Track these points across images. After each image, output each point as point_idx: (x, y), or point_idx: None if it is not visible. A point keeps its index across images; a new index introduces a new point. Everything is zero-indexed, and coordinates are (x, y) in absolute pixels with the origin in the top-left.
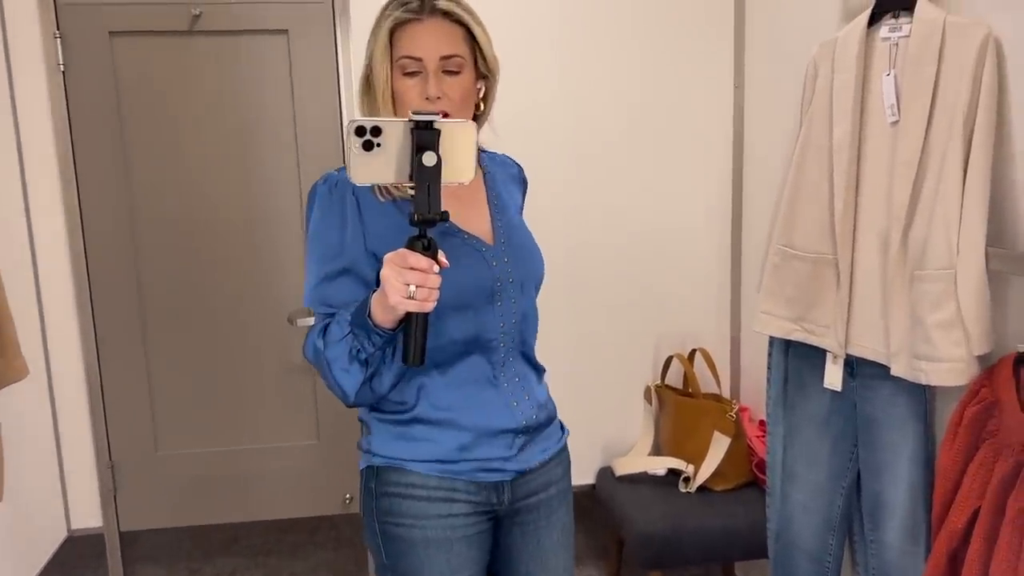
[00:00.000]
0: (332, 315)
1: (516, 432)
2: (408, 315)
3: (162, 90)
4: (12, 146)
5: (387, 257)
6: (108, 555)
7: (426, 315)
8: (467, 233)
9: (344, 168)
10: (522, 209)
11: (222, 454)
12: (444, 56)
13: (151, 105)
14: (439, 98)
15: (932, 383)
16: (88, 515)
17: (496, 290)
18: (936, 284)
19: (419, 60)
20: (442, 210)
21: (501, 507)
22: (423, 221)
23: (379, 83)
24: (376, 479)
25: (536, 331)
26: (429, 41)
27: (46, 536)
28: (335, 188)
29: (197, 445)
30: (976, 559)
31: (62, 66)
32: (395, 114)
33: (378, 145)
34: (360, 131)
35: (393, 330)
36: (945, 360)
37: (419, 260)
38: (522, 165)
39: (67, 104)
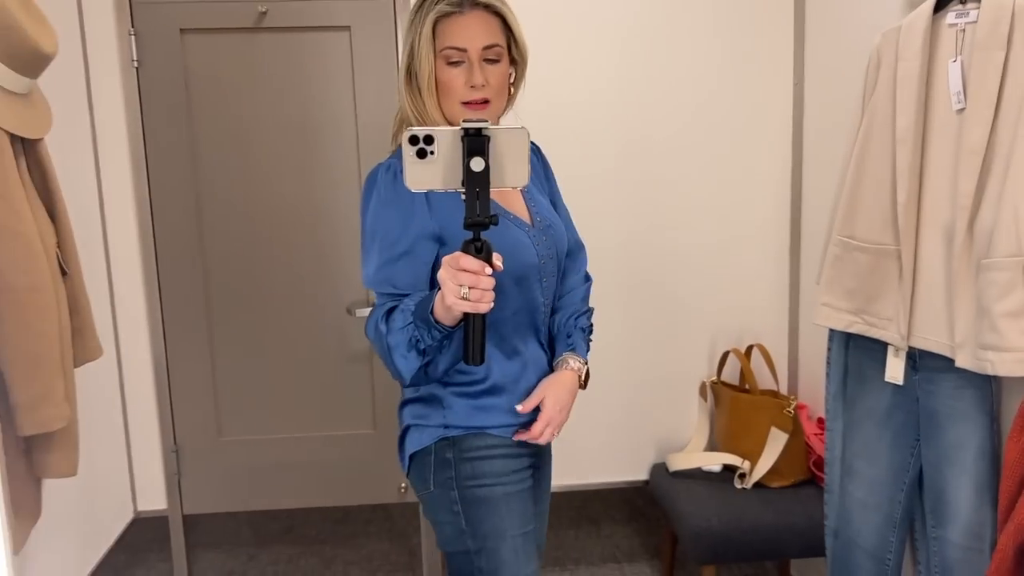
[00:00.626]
0: (396, 296)
1: None
2: (466, 316)
3: (230, 85)
4: (88, 139)
5: (444, 260)
6: (172, 538)
7: (483, 316)
8: (513, 214)
9: (398, 152)
10: (554, 187)
11: (282, 441)
12: (486, 46)
13: (219, 100)
14: (484, 85)
15: (999, 374)
16: (153, 497)
17: (540, 267)
18: (1003, 272)
19: (463, 50)
20: (492, 214)
21: (538, 458)
22: (474, 224)
23: (423, 73)
24: (454, 448)
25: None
26: (472, 32)
27: (114, 516)
28: (400, 175)
29: (258, 432)
30: None
31: (136, 63)
32: (439, 101)
33: (431, 153)
34: (414, 140)
35: (453, 327)
36: (1013, 350)
37: (471, 263)
38: (540, 145)
39: (140, 99)
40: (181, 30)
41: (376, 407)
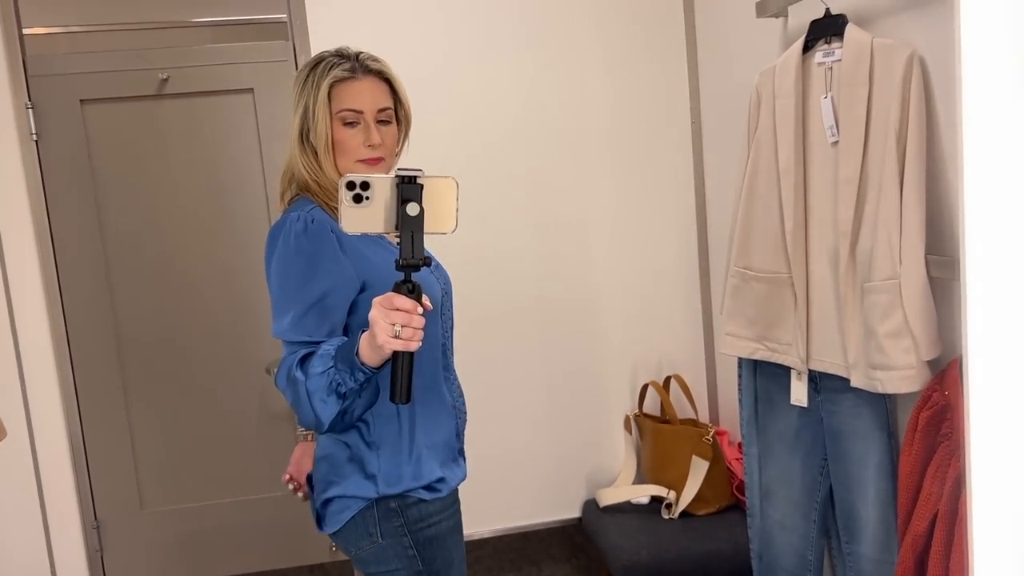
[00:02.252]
0: (310, 344)
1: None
2: (395, 354)
3: (134, 152)
4: None
5: (375, 300)
6: None
7: (411, 355)
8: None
9: (310, 207)
10: None
11: (207, 508)
12: (380, 108)
13: (124, 167)
14: (380, 144)
15: (888, 391)
16: (74, 574)
17: (442, 302)
18: (883, 295)
19: (360, 112)
20: (424, 255)
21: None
22: (407, 266)
23: (320, 134)
24: (396, 499)
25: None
26: (367, 96)
27: None
28: (312, 224)
29: (182, 500)
30: (938, 562)
31: (35, 135)
32: (335, 161)
33: (367, 198)
34: (351, 185)
35: (377, 369)
36: (897, 368)
37: (404, 302)
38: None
39: (41, 171)
40: (81, 101)
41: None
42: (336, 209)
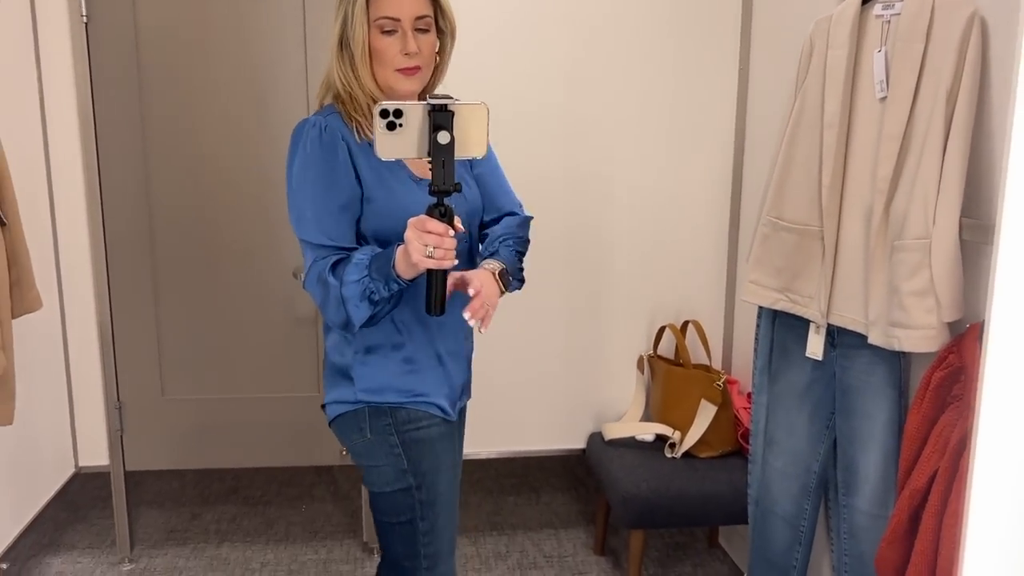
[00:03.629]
0: (331, 249)
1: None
2: (429, 271)
3: (181, 44)
4: (35, 92)
5: (410, 221)
6: (113, 494)
7: (444, 272)
8: (421, 178)
9: (326, 113)
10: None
11: (226, 401)
12: (418, 16)
13: (170, 58)
14: (417, 52)
15: (905, 349)
16: (95, 453)
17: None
18: (912, 253)
19: (397, 20)
20: (455, 182)
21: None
22: (439, 192)
23: (357, 43)
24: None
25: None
26: (405, 4)
27: (53, 470)
28: (325, 132)
29: (202, 391)
30: (932, 517)
31: (85, 18)
32: (371, 68)
33: (400, 125)
34: (384, 113)
35: (410, 281)
36: (917, 327)
37: (436, 226)
38: (497, 124)
39: (88, 54)
40: None
41: (321, 370)
42: (359, 121)
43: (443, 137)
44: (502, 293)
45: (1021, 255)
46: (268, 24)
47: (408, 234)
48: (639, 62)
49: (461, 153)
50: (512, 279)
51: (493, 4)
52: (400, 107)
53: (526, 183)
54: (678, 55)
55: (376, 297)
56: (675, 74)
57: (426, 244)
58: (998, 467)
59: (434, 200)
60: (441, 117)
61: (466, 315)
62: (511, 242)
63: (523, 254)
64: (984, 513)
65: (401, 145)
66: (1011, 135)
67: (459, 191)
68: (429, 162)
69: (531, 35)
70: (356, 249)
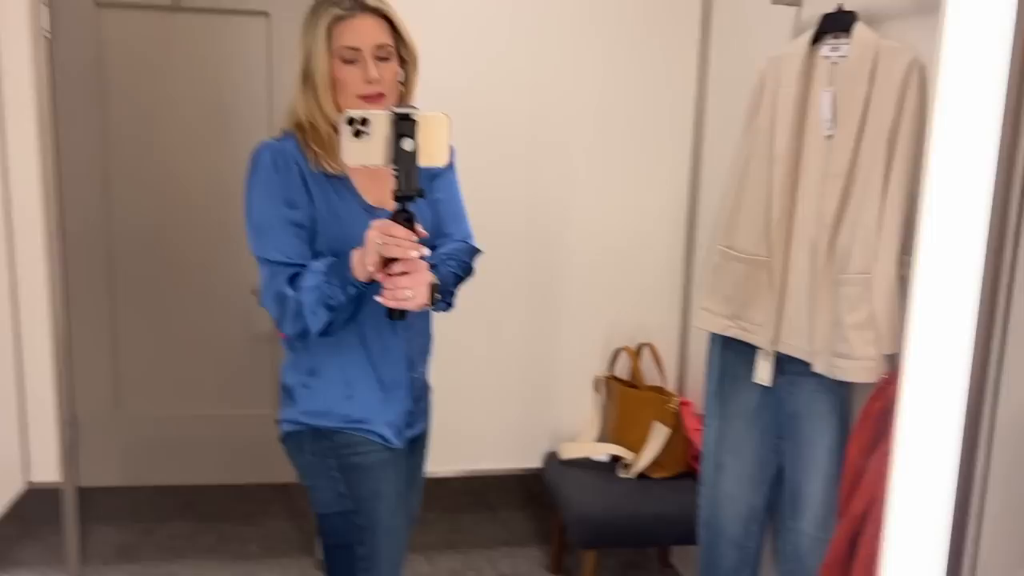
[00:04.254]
0: (291, 266)
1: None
2: None
3: (145, 63)
4: None
5: (373, 223)
6: (64, 510)
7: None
8: (372, 206)
9: (282, 138)
10: (440, 182)
11: (182, 417)
12: (378, 44)
13: (133, 77)
14: (379, 80)
15: (847, 379)
16: (47, 469)
17: None
18: (855, 288)
19: (357, 50)
20: (419, 187)
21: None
22: (403, 197)
23: (320, 72)
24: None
25: None
26: (365, 33)
27: (3, 485)
28: (279, 155)
29: (158, 407)
30: (868, 542)
31: (48, 34)
32: (334, 98)
33: (366, 133)
34: (351, 121)
35: (367, 285)
36: (858, 358)
37: (399, 230)
38: (455, 146)
39: (52, 71)
40: (97, 3)
41: (277, 387)
42: (316, 151)
43: (407, 144)
44: (425, 305)
45: (934, 291)
46: (232, 44)
47: (370, 234)
48: (598, 90)
49: (424, 161)
50: (441, 298)
51: (454, 27)
52: (366, 115)
53: (484, 205)
54: (636, 85)
55: (333, 303)
56: (633, 103)
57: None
58: (915, 493)
59: (399, 206)
60: (405, 126)
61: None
62: (453, 264)
63: (461, 279)
64: (902, 540)
65: (366, 152)
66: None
67: (423, 196)
68: (394, 169)
69: (488, 59)
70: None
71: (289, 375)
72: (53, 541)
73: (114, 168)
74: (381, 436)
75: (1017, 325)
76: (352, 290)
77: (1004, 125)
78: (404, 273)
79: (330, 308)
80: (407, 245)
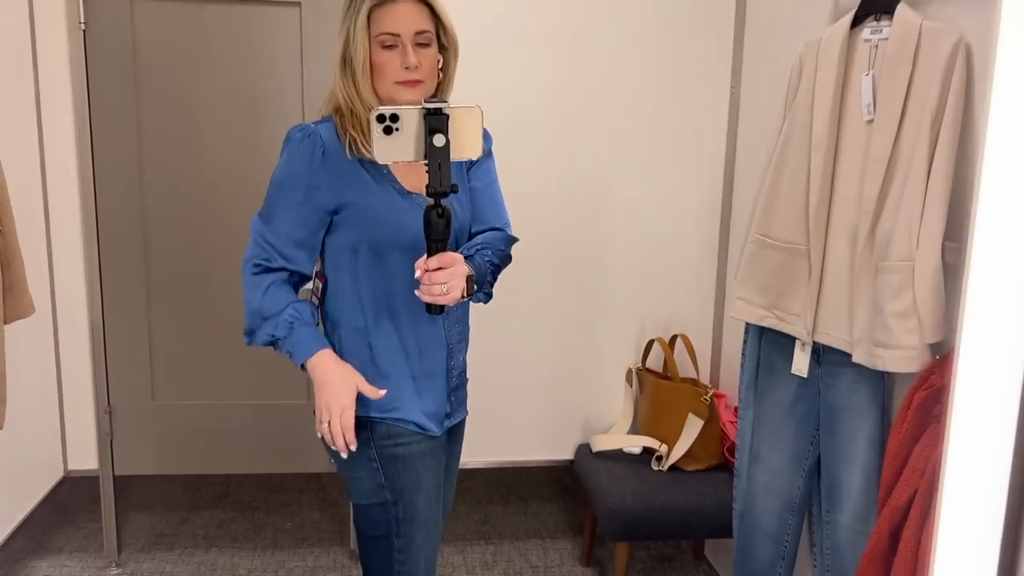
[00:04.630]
0: (267, 246)
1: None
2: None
3: (178, 54)
4: (31, 100)
5: (437, 260)
6: (102, 498)
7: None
8: (414, 193)
9: (320, 121)
10: (479, 171)
11: (216, 407)
12: (418, 31)
13: (167, 67)
14: (417, 66)
15: (887, 369)
16: (85, 457)
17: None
18: (896, 275)
19: (397, 35)
20: (452, 183)
21: (450, 432)
22: (436, 193)
23: (358, 58)
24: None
25: None
26: (404, 18)
27: (43, 474)
28: (309, 137)
29: (193, 397)
30: (912, 534)
31: (83, 25)
32: (373, 83)
33: (396, 130)
34: (381, 118)
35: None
36: (900, 347)
37: (444, 260)
38: (492, 134)
39: (86, 61)
40: None
41: (310, 378)
42: (355, 137)
43: (438, 140)
44: (463, 297)
45: (992, 278)
46: (265, 34)
47: (318, 402)
48: (633, 79)
49: (456, 155)
50: (478, 288)
51: (490, 17)
52: (396, 112)
53: (518, 196)
54: (672, 73)
55: (278, 346)
56: (668, 92)
57: (443, 282)
58: (968, 486)
59: (431, 202)
60: (436, 120)
61: (417, 274)
62: (488, 252)
63: (499, 268)
64: (954, 531)
65: (398, 149)
66: (982, 160)
67: (456, 192)
68: (426, 165)
69: (526, 49)
70: (299, 247)
71: None
72: (91, 528)
73: (148, 159)
74: (420, 426)
75: None
76: (287, 354)
77: None
78: (440, 268)
79: (275, 341)
80: (457, 271)
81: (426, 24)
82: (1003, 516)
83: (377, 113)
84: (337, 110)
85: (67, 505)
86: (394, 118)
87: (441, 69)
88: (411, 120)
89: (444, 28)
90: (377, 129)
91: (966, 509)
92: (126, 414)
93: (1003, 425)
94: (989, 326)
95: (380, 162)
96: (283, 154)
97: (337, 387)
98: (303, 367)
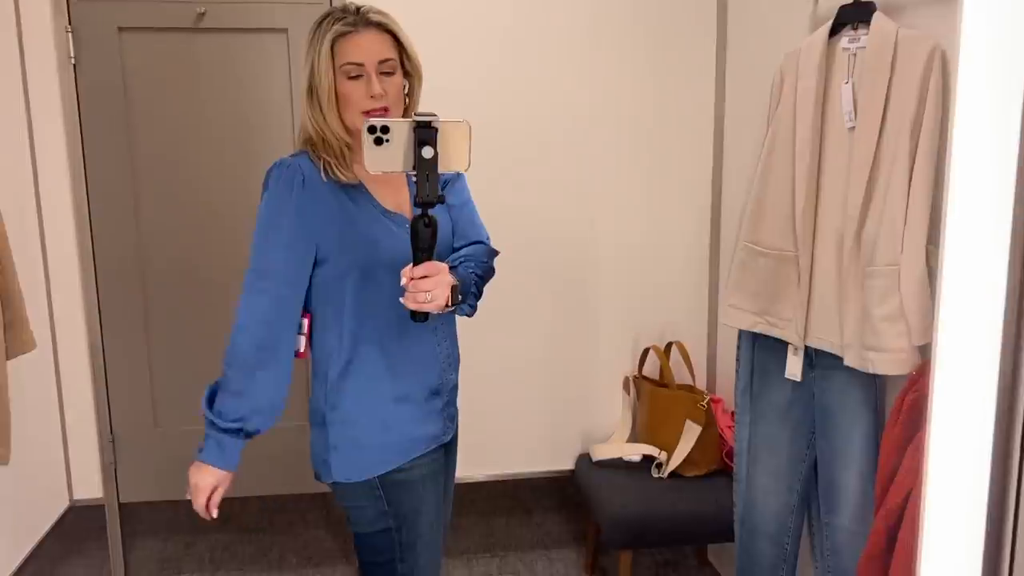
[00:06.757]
0: (265, 277)
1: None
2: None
3: (168, 84)
4: (24, 135)
5: (425, 268)
6: (108, 526)
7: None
8: (395, 212)
9: (296, 154)
10: (454, 188)
11: None
12: (382, 59)
13: (157, 98)
14: (383, 95)
15: (878, 372)
16: (90, 486)
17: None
18: (883, 279)
19: (361, 65)
20: (440, 193)
21: (446, 445)
22: (424, 203)
23: (323, 88)
24: None
25: None
26: (368, 48)
27: (48, 504)
28: (288, 171)
29: (195, 422)
30: (907, 534)
31: (73, 60)
32: (339, 114)
33: (387, 141)
34: (372, 129)
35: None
36: (889, 350)
37: (428, 268)
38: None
39: (77, 96)
40: (119, 28)
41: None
42: (328, 160)
43: (427, 152)
44: (447, 305)
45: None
46: (255, 65)
47: (426, 283)
48: (618, 91)
49: (444, 167)
50: (463, 299)
51: (482, 31)
52: (387, 123)
53: (508, 208)
54: (657, 85)
55: (212, 422)
56: (654, 103)
57: (426, 290)
58: (949, 488)
59: (419, 211)
60: (425, 133)
61: (403, 281)
62: (472, 264)
63: (483, 280)
64: (938, 536)
65: (388, 159)
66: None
67: (443, 202)
68: (414, 176)
69: (512, 63)
70: (294, 286)
71: (314, 410)
72: (98, 557)
73: (142, 189)
74: (420, 451)
75: None
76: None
77: None
78: (426, 276)
79: (219, 414)
80: (441, 279)
81: (390, 52)
82: (984, 519)
83: (368, 124)
84: (308, 140)
85: (74, 535)
86: (384, 129)
87: (407, 95)
88: (401, 132)
89: (408, 55)
90: (368, 140)
91: (948, 510)
92: (129, 442)
93: (983, 424)
94: (964, 329)
95: (371, 171)
96: (265, 193)
97: (202, 488)
98: (200, 450)
